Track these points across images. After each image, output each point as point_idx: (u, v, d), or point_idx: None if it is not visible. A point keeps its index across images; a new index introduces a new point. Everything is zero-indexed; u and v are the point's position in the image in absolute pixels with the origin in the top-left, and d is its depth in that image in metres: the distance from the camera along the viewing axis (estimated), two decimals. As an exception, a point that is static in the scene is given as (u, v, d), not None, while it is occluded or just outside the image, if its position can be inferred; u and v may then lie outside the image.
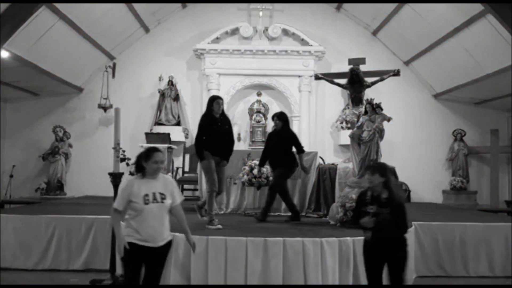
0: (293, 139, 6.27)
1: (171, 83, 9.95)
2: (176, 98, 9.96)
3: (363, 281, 4.63)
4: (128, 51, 10.33)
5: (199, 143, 5.50)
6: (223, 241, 4.58)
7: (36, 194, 9.70)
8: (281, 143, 6.18)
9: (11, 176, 9.66)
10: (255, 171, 6.68)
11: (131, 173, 6.72)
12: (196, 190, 8.47)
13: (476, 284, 5.65)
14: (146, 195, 3.45)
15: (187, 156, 9.63)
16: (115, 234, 3.54)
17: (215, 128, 5.49)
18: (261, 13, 10.03)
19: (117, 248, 3.52)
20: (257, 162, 6.79)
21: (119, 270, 5.05)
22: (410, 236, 5.50)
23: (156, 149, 3.61)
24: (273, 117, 6.43)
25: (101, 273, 5.38)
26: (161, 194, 3.51)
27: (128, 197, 3.46)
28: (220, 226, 5.28)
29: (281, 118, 6.28)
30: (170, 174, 7.41)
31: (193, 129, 10.22)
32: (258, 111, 9.94)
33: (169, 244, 3.62)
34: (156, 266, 3.58)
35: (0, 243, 5.92)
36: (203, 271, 4.55)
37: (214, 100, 5.56)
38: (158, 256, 3.54)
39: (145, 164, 3.52)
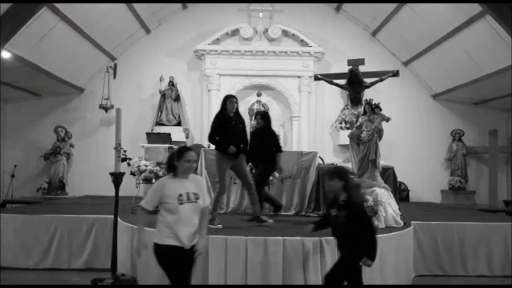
0: (275, 139, 6.28)
1: (171, 83, 9.98)
2: (177, 98, 9.99)
3: (363, 280, 4.67)
4: (129, 51, 10.37)
5: (212, 141, 5.65)
6: (223, 240, 4.60)
7: (37, 194, 9.74)
8: (264, 142, 6.16)
9: (13, 176, 9.69)
10: (255, 171, 6.70)
11: (132, 173, 6.82)
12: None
13: (475, 284, 5.68)
14: (180, 195, 3.41)
15: (187, 156, 9.65)
16: (138, 233, 3.51)
17: (228, 127, 5.54)
18: (261, 14, 10.07)
19: (136, 250, 3.45)
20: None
21: (120, 269, 5.09)
22: (409, 235, 5.56)
23: (188, 148, 3.57)
24: (255, 116, 6.43)
25: (102, 272, 5.40)
26: (195, 194, 3.47)
27: (160, 198, 3.42)
28: (220, 226, 5.32)
29: (264, 118, 6.27)
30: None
31: (194, 129, 10.28)
32: (258, 112, 9.96)
33: (193, 248, 3.50)
34: (186, 268, 3.49)
35: (1, 242, 5.95)
36: (203, 271, 4.56)
37: (228, 99, 5.61)
38: (188, 257, 3.46)
39: (177, 163, 3.47)
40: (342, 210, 3.69)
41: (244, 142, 5.65)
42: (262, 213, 5.72)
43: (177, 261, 3.39)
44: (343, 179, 3.77)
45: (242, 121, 5.72)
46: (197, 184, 3.56)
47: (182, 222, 3.39)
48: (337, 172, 3.87)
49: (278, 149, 6.22)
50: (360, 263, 3.64)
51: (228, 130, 5.52)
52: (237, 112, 5.64)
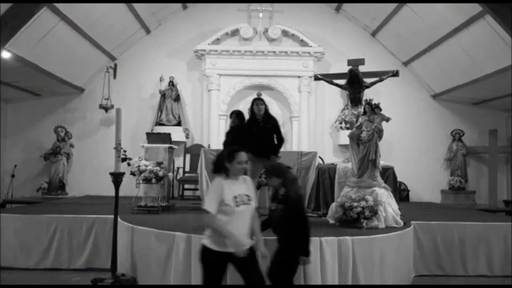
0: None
1: (171, 83, 9.99)
2: (177, 98, 10.00)
3: (363, 280, 4.68)
4: (129, 51, 10.37)
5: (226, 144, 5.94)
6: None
7: (37, 194, 9.74)
8: (238, 141, 6.04)
9: (13, 176, 9.69)
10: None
11: (132, 173, 6.82)
12: (197, 190, 8.51)
13: (475, 284, 5.68)
14: (236, 197, 3.38)
15: (188, 156, 9.68)
16: (225, 235, 3.36)
17: (255, 130, 5.70)
18: (261, 14, 10.08)
19: (237, 250, 3.36)
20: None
21: (120, 269, 5.10)
22: (409, 235, 5.57)
23: (239, 149, 3.53)
24: (231, 115, 6.36)
25: (102, 272, 5.40)
26: (247, 195, 3.45)
27: (221, 199, 3.36)
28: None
29: (240, 117, 6.26)
30: (171, 174, 7.43)
31: (194, 129, 10.28)
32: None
33: (251, 249, 3.49)
34: (253, 269, 3.49)
35: (1, 242, 5.96)
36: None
37: (253, 103, 5.81)
38: (243, 260, 3.42)
39: (228, 165, 3.45)
40: (280, 204, 3.80)
41: (269, 141, 5.77)
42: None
43: (217, 268, 3.38)
44: (281, 176, 3.87)
45: (271, 122, 5.80)
46: (248, 185, 3.56)
47: (237, 224, 3.36)
48: (274, 170, 3.96)
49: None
50: (300, 264, 3.69)
51: (254, 133, 5.69)
52: (266, 114, 5.77)
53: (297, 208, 3.81)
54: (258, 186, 6.76)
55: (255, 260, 3.51)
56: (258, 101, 5.80)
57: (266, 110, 5.83)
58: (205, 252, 3.41)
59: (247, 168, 3.51)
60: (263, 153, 5.76)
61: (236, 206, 3.35)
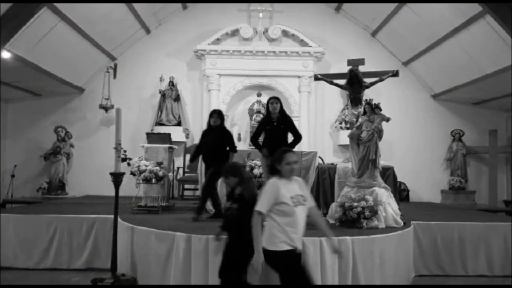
0: (230, 138, 6.20)
1: (171, 83, 9.99)
2: (177, 98, 10.00)
3: (363, 280, 4.68)
4: (129, 52, 10.38)
5: (253, 143, 6.06)
6: (223, 240, 4.60)
7: (37, 194, 9.74)
8: (218, 140, 6.07)
9: (13, 176, 9.69)
10: (255, 171, 6.72)
11: (132, 173, 6.83)
12: (197, 190, 8.52)
13: (475, 284, 5.68)
14: (292, 197, 3.37)
15: (188, 156, 9.67)
16: (254, 241, 3.35)
17: (268, 129, 5.73)
18: (261, 14, 10.08)
19: (255, 263, 3.33)
20: (258, 162, 6.83)
21: (120, 269, 5.10)
22: (409, 235, 5.57)
23: (287, 150, 3.58)
24: (212, 114, 6.21)
25: (103, 272, 5.40)
26: (302, 196, 3.46)
27: (276, 200, 3.35)
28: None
29: (221, 116, 6.21)
30: (171, 174, 7.44)
31: (194, 129, 10.28)
32: (258, 112, 9.98)
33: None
34: (302, 268, 3.50)
35: (1, 242, 5.96)
36: (203, 271, 4.57)
37: (268, 102, 5.82)
38: (299, 261, 3.45)
39: (279, 166, 3.48)
40: (236, 203, 3.88)
41: (283, 140, 5.77)
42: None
43: (295, 265, 3.35)
44: (237, 175, 3.98)
45: (286, 122, 5.82)
46: (301, 185, 3.57)
47: (296, 225, 3.35)
48: (231, 169, 4.08)
49: (233, 148, 6.16)
50: (252, 263, 3.59)
51: (268, 131, 5.75)
52: (281, 113, 5.79)
53: (252, 208, 3.77)
54: (259, 187, 6.76)
55: (305, 262, 3.57)
56: (273, 99, 5.79)
57: (282, 109, 5.82)
58: (289, 255, 3.34)
59: (294, 169, 3.49)
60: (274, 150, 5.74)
61: (294, 206, 3.36)
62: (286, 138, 5.89)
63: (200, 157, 6.40)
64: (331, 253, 3.61)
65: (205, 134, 6.29)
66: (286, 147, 5.73)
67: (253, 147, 8.92)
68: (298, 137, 5.89)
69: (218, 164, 5.89)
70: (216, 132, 6.13)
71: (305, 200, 3.46)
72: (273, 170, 3.53)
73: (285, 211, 3.34)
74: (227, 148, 6.15)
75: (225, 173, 4.10)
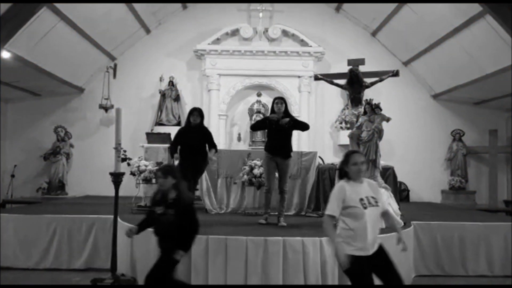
0: (209, 136, 6.02)
1: (171, 83, 9.99)
2: (177, 98, 10.00)
3: (362, 280, 4.68)
4: (129, 51, 10.37)
5: (252, 128, 6.17)
6: (223, 240, 4.60)
7: (37, 194, 9.74)
8: (199, 139, 5.91)
9: (13, 176, 9.69)
10: (255, 171, 6.72)
11: (132, 173, 6.83)
12: (197, 190, 8.49)
13: (475, 284, 5.68)
14: (362, 199, 3.30)
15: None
16: (332, 245, 3.33)
17: (273, 128, 5.71)
18: (261, 14, 10.08)
19: (339, 260, 3.26)
20: (258, 162, 6.82)
21: (120, 269, 5.09)
22: (409, 235, 5.56)
23: (354, 151, 3.56)
24: (193, 111, 6.04)
25: (102, 272, 5.40)
26: (373, 197, 3.37)
27: (344, 202, 3.31)
28: (263, 221, 5.73)
29: (202, 114, 6.05)
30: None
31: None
32: (258, 112, 9.97)
33: (381, 248, 3.39)
34: (388, 267, 3.39)
35: (1, 242, 5.95)
36: (203, 271, 4.57)
37: (274, 102, 5.82)
38: (381, 257, 3.36)
39: (346, 168, 3.43)
40: (170, 208, 3.78)
41: (286, 141, 5.79)
42: (283, 215, 5.88)
43: (363, 270, 3.28)
44: (175, 178, 3.88)
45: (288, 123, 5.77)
46: (373, 187, 3.49)
47: (366, 227, 3.25)
48: (172, 170, 3.97)
49: (214, 146, 6.00)
50: (177, 258, 3.72)
51: (271, 132, 5.75)
52: (286, 113, 5.77)
53: (191, 211, 3.86)
54: (258, 187, 6.76)
55: (389, 261, 3.42)
56: (278, 99, 5.79)
57: (286, 110, 5.80)
58: (355, 261, 3.26)
59: (361, 170, 3.41)
60: (279, 152, 5.74)
61: (364, 208, 3.28)
62: (290, 138, 5.89)
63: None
64: (395, 244, 3.48)
65: (183, 133, 6.03)
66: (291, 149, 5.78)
67: (254, 147, 8.98)
68: (306, 125, 5.90)
69: (198, 164, 5.88)
70: (196, 131, 5.94)
71: (377, 202, 3.37)
72: (342, 173, 3.49)
73: (354, 213, 3.28)
74: (207, 148, 6.00)
75: (164, 173, 3.91)
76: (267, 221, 5.77)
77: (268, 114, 9.20)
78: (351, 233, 3.27)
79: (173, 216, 3.77)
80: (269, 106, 9.86)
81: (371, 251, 3.28)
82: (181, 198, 3.84)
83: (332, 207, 3.33)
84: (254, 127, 6.28)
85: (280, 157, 5.75)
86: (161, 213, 3.84)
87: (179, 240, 3.82)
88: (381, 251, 3.37)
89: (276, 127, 5.69)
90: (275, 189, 5.97)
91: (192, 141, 5.85)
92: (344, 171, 3.44)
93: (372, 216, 3.30)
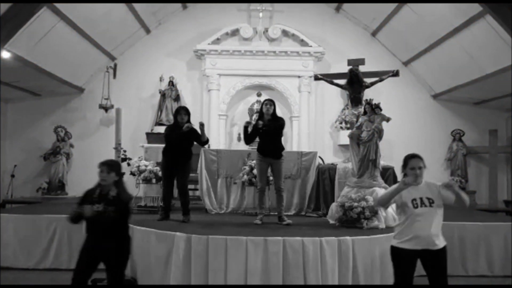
0: (196, 133, 6.03)
1: (171, 83, 9.98)
2: (177, 98, 9.99)
3: (363, 281, 4.68)
4: (129, 51, 10.37)
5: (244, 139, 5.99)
6: (223, 240, 4.60)
7: (37, 194, 9.74)
8: (186, 137, 5.90)
9: (13, 176, 9.69)
10: (255, 171, 6.71)
11: (132, 173, 6.83)
12: (197, 190, 8.51)
13: (475, 284, 5.68)
14: (414, 199, 3.60)
15: (188, 156, 9.66)
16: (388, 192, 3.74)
17: (260, 133, 5.75)
18: (261, 14, 10.07)
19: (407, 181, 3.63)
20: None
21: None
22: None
23: (414, 156, 3.83)
24: (180, 110, 6.04)
25: (102, 272, 5.36)
26: (428, 198, 3.61)
27: (399, 200, 3.66)
28: (259, 222, 5.71)
29: (188, 113, 6.07)
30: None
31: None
32: (258, 112, 9.94)
33: (444, 250, 3.65)
34: (435, 271, 3.64)
35: (0, 242, 5.95)
36: (203, 271, 4.57)
37: (263, 103, 5.89)
38: (433, 260, 3.61)
39: (404, 171, 3.77)
40: (111, 205, 3.69)
41: (277, 142, 5.85)
42: (283, 214, 5.94)
43: (401, 262, 3.63)
44: (118, 174, 3.81)
45: (276, 124, 5.82)
46: (431, 189, 3.69)
47: (417, 226, 3.55)
48: (117, 166, 3.91)
49: (206, 140, 6.08)
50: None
51: (261, 133, 5.76)
52: (273, 115, 5.84)
53: (129, 210, 3.85)
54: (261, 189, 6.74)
55: (443, 263, 3.65)
56: (267, 101, 5.88)
57: (274, 111, 5.86)
58: (392, 251, 3.68)
59: (418, 174, 3.71)
60: (270, 154, 5.80)
61: (414, 208, 3.57)
62: (280, 139, 5.91)
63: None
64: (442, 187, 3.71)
65: (170, 131, 5.99)
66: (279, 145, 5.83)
67: (254, 147, 8.97)
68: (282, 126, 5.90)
69: (184, 163, 5.87)
70: (184, 130, 5.89)
71: (432, 203, 3.59)
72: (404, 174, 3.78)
73: (406, 212, 3.61)
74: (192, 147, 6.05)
75: (109, 168, 3.79)
76: (262, 221, 5.77)
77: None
78: (402, 228, 3.62)
79: (114, 213, 3.67)
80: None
81: (419, 247, 3.54)
82: (121, 196, 3.75)
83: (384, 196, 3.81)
84: (248, 140, 6.05)
85: (272, 158, 5.80)
86: (100, 211, 3.68)
87: (120, 238, 3.80)
88: (437, 254, 3.59)
89: (263, 130, 5.72)
90: (272, 189, 6.07)
91: (180, 140, 5.82)
92: (404, 173, 3.77)
93: (425, 216, 3.55)
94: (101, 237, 3.75)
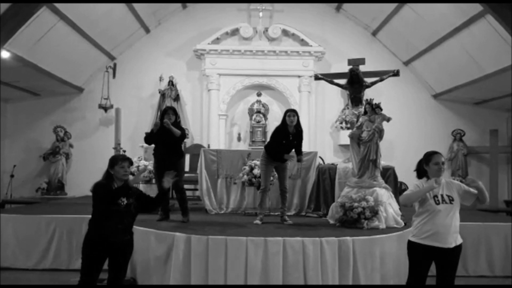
0: (182, 131, 5.93)
1: (171, 83, 9.97)
2: (176, 98, 9.98)
3: (363, 281, 4.67)
4: (128, 51, 10.36)
5: (268, 151, 5.87)
6: (223, 240, 4.59)
7: (36, 194, 9.73)
8: (174, 137, 5.77)
9: (12, 176, 9.68)
10: (255, 171, 6.70)
11: (131, 173, 6.79)
12: (196, 190, 8.51)
13: (475, 284, 5.67)
14: (436, 196, 3.60)
15: (187, 156, 9.62)
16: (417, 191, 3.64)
17: (284, 143, 5.72)
18: (261, 14, 10.07)
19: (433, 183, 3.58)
20: (258, 162, 6.80)
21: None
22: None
23: (435, 152, 3.72)
24: (168, 110, 5.91)
25: (102, 272, 5.36)
26: (448, 196, 3.61)
27: (422, 198, 3.64)
28: (259, 222, 5.71)
29: (176, 113, 5.98)
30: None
31: (193, 129, 10.26)
32: (258, 111, 9.95)
33: (460, 247, 3.64)
34: (447, 268, 3.63)
35: (0, 242, 5.94)
36: (203, 271, 4.56)
37: (285, 114, 5.82)
38: (449, 257, 3.60)
39: (426, 167, 3.69)
40: (132, 197, 3.81)
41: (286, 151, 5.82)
42: (286, 214, 5.98)
43: (416, 257, 3.65)
44: (131, 165, 3.94)
45: (298, 138, 5.88)
46: (452, 187, 3.67)
47: (437, 223, 3.55)
48: (129, 158, 3.96)
49: (182, 138, 5.90)
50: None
51: (282, 144, 5.73)
52: (298, 125, 5.83)
53: (140, 190, 3.97)
54: (258, 187, 6.74)
55: (456, 261, 3.64)
56: (290, 112, 5.79)
57: (298, 123, 5.83)
58: (410, 246, 3.70)
59: (442, 169, 3.65)
60: (279, 159, 5.81)
61: (436, 204, 3.56)
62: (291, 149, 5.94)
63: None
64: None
65: (158, 131, 5.85)
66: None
67: (254, 147, 8.92)
68: (299, 152, 5.95)
69: (175, 163, 5.76)
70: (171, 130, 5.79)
71: (452, 201, 3.59)
72: (420, 172, 3.76)
73: (428, 209, 3.60)
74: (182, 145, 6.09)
75: (130, 162, 3.88)
76: (262, 221, 5.75)
77: (268, 115, 9.14)
78: (421, 225, 3.62)
79: (136, 204, 3.78)
80: (269, 106, 10.05)
81: (441, 244, 3.53)
82: (131, 185, 3.81)
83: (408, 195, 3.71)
84: (271, 150, 5.91)
85: (279, 161, 5.83)
86: (126, 203, 3.74)
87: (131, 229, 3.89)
88: (453, 251, 3.58)
89: (286, 142, 5.73)
90: (272, 189, 6.08)
91: (168, 140, 5.74)
92: (423, 170, 3.70)
93: (446, 213, 3.55)
94: (122, 231, 3.79)
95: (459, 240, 3.65)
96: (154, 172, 6.17)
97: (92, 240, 3.81)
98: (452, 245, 3.58)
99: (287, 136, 5.73)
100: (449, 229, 3.56)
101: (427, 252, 3.59)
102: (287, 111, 5.87)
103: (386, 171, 6.62)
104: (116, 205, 3.73)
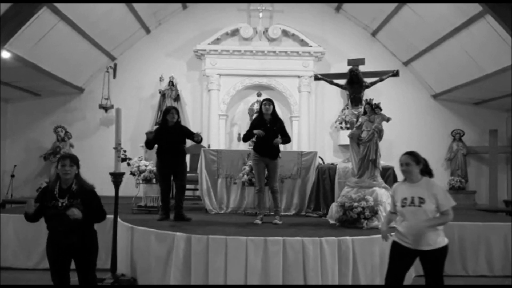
0: (188, 130, 6.07)
1: (171, 83, 9.97)
2: (177, 98, 9.98)
3: (363, 280, 4.69)
4: (129, 51, 10.37)
5: (244, 140, 6.03)
6: (223, 240, 4.60)
7: (37, 194, 9.71)
8: (177, 138, 5.91)
9: (13, 176, 9.68)
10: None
11: (132, 173, 6.83)
12: (197, 190, 8.53)
13: (475, 284, 5.68)
14: (405, 198, 3.65)
15: (188, 156, 9.62)
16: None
17: (262, 130, 5.71)
18: (261, 14, 10.08)
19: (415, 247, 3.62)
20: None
21: (120, 269, 5.10)
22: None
23: (405, 153, 3.88)
24: (170, 109, 6.01)
25: (102, 272, 5.36)
26: (420, 198, 3.59)
27: (394, 201, 3.79)
28: (259, 222, 5.73)
29: (178, 113, 6.07)
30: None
31: (194, 129, 10.17)
32: (257, 112, 9.95)
33: (439, 251, 3.61)
34: (428, 270, 3.65)
35: (0, 242, 5.95)
36: (203, 271, 4.57)
37: (261, 104, 5.90)
38: (427, 259, 3.61)
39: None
40: (75, 198, 3.67)
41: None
42: (279, 215, 5.98)
43: (393, 255, 3.73)
44: (78, 167, 3.80)
45: (276, 124, 5.84)
46: (428, 189, 3.65)
47: (408, 225, 3.61)
48: (77, 159, 3.85)
49: (200, 140, 6.01)
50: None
51: (259, 136, 5.71)
52: (273, 115, 5.86)
53: (97, 197, 3.83)
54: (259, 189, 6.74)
55: (438, 262, 3.65)
56: (266, 101, 5.89)
57: (274, 111, 5.89)
58: (392, 245, 3.79)
59: (405, 171, 3.80)
60: (267, 154, 5.79)
61: (401, 206, 3.66)
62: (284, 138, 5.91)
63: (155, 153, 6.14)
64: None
65: (159, 132, 5.96)
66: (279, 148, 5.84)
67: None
68: (287, 139, 5.93)
69: (179, 164, 5.89)
70: (174, 130, 5.92)
71: (421, 203, 3.56)
72: (427, 171, 3.88)
73: (398, 210, 3.74)
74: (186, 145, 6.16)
75: (72, 161, 3.74)
76: (262, 221, 5.77)
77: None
78: (398, 224, 3.77)
79: (81, 206, 3.63)
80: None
81: (413, 246, 3.58)
82: (84, 186, 3.74)
83: (390, 204, 3.97)
84: (246, 139, 6.05)
85: (268, 158, 5.81)
86: (66, 205, 3.63)
87: (86, 232, 3.76)
88: (431, 254, 3.57)
89: (264, 129, 5.71)
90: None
91: (172, 140, 5.82)
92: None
93: (411, 214, 3.58)
94: (64, 233, 3.66)
95: (439, 244, 3.58)
96: (157, 171, 6.19)
97: (47, 243, 3.82)
98: (425, 248, 3.54)
99: (264, 124, 5.77)
100: (418, 231, 3.53)
101: (401, 251, 3.65)
102: (263, 100, 5.98)
103: (386, 171, 6.64)
104: (52, 207, 3.69)
